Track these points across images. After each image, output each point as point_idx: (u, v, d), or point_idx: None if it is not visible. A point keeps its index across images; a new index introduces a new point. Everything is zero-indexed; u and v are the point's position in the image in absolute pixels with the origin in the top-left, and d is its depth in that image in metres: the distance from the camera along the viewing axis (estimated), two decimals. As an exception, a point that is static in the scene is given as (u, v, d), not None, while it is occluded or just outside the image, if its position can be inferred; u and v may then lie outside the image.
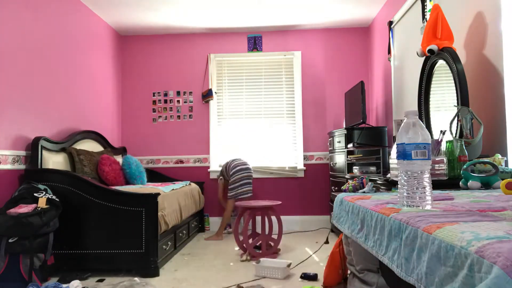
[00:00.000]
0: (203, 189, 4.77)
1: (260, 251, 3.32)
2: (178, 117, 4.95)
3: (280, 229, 3.38)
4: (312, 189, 4.81)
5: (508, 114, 2.09)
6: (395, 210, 1.11)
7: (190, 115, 4.95)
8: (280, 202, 3.49)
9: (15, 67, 2.91)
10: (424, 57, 2.63)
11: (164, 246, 3.07)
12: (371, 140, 3.92)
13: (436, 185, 1.87)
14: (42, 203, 2.55)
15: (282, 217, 4.71)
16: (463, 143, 1.98)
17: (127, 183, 4.01)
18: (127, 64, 5.01)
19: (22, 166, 2.95)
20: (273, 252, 3.35)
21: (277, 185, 4.82)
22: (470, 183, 1.75)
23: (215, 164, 4.88)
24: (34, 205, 2.51)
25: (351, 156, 3.79)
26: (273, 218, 4.43)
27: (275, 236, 3.44)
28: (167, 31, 4.92)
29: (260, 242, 3.33)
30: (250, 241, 3.46)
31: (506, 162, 2.06)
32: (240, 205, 3.40)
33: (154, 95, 4.97)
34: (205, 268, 3.00)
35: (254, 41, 4.93)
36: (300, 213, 4.80)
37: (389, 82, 4.05)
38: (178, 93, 4.97)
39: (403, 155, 1.14)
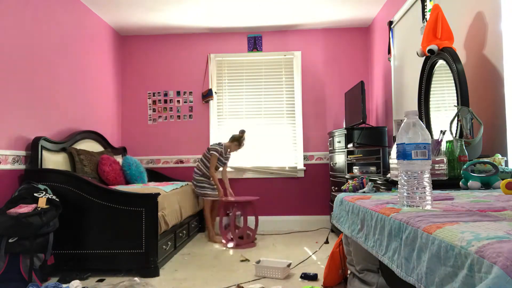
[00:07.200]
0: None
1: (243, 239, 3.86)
2: (178, 117, 4.95)
3: (256, 221, 3.99)
4: (312, 189, 4.81)
5: (508, 114, 2.09)
6: (395, 210, 1.11)
7: (190, 115, 4.94)
8: (258, 198, 4.08)
9: (15, 67, 2.91)
10: (424, 57, 2.63)
11: (164, 246, 3.07)
12: (371, 140, 3.92)
13: (436, 185, 1.87)
14: (42, 203, 2.55)
15: (282, 217, 4.74)
16: (463, 143, 1.98)
17: (128, 183, 4.01)
18: (127, 64, 5.01)
19: (22, 166, 2.95)
20: (251, 240, 3.90)
21: (277, 185, 4.82)
22: (470, 183, 1.75)
23: (215, 164, 4.87)
24: (34, 205, 2.51)
25: (351, 156, 3.79)
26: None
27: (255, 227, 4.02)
28: (167, 31, 4.92)
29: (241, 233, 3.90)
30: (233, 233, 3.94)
31: (506, 162, 2.06)
32: (223, 200, 4.01)
33: (154, 95, 4.97)
34: (205, 268, 3.00)
35: (254, 41, 4.93)
36: (300, 213, 4.80)
37: (389, 82, 4.05)
38: (178, 93, 4.97)
39: (403, 155, 1.14)
